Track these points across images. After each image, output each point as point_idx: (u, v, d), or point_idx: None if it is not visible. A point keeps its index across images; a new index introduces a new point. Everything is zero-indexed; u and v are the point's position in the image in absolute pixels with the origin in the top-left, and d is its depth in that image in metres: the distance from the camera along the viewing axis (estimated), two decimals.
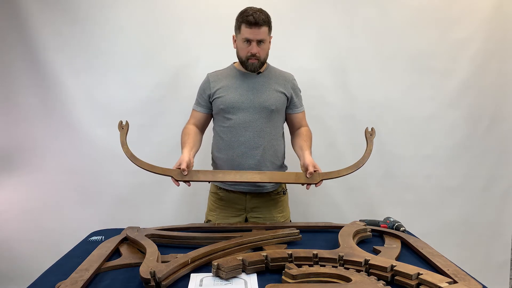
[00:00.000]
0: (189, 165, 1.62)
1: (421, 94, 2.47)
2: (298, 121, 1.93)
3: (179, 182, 1.63)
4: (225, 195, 1.88)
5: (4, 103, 2.35)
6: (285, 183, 1.85)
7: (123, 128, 1.69)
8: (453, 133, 2.51)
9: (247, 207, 1.88)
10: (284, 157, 1.95)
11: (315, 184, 1.67)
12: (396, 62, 2.45)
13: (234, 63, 1.90)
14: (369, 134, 1.79)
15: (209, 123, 1.95)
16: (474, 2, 2.40)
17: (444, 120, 2.49)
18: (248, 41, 1.70)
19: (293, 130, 1.95)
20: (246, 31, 1.68)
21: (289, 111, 1.90)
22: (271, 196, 1.90)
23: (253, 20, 1.65)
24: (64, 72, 2.33)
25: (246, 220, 1.90)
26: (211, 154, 1.95)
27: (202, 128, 1.91)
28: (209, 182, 1.98)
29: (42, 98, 2.35)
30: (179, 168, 1.60)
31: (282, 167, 1.93)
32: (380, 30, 2.42)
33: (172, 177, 1.62)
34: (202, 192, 2.46)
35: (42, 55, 2.30)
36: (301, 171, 1.71)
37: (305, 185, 1.67)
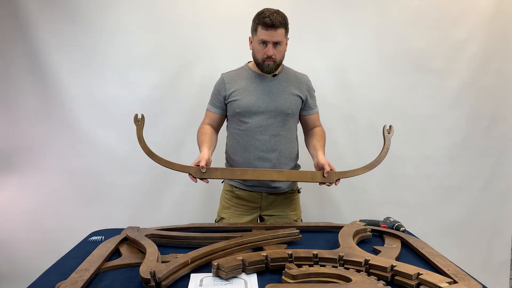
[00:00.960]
0: (208, 163, 1.62)
1: (421, 94, 2.47)
2: (312, 122, 1.93)
3: (197, 179, 1.62)
4: (241, 193, 1.89)
5: (4, 103, 2.35)
6: (301, 181, 1.85)
7: (139, 122, 1.59)
8: (453, 133, 2.51)
9: (262, 205, 1.89)
10: (297, 158, 1.96)
11: (333, 183, 1.67)
12: (396, 62, 2.45)
13: (248, 62, 1.88)
14: (387, 132, 1.75)
15: (223, 123, 1.94)
16: (474, 2, 2.40)
17: (444, 120, 2.49)
18: (264, 42, 1.69)
19: (307, 130, 1.96)
20: (262, 33, 1.67)
21: (303, 112, 1.90)
22: (286, 194, 1.91)
23: (269, 22, 1.63)
24: (64, 72, 2.33)
25: (260, 217, 1.92)
26: (225, 155, 1.95)
27: (217, 128, 1.91)
28: (222, 180, 1.98)
29: (42, 98, 2.35)
30: (198, 165, 1.60)
31: (296, 167, 1.94)
32: (380, 30, 2.42)
33: (190, 174, 1.61)
34: (202, 192, 2.47)
35: (41, 55, 2.30)
36: (313, 171, 1.71)
37: (322, 183, 1.68)
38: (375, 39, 2.43)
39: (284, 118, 1.80)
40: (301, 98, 1.84)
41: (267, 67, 1.74)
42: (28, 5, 2.25)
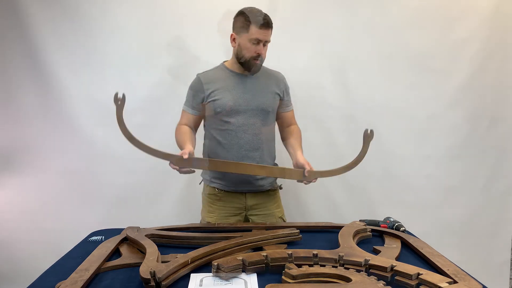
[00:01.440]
0: (191, 155, 1.57)
1: (421, 94, 2.47)
2: (289, 119, 1.96)
3: (183, 171, 1.56)
4: (224, 195, 1.88)
5: (4, 103, 2.35)
6: (281, 177, 1.84)
7: (120, 102, 1.45)
8: (453, 133, 2.50)
9: (246, 206, 1.89)
10: (275, 157, 1.98)
11: (311, 181, 1.69)
12: (396, 62, 2.44)
13: (224, 62, 1.88)
14: (368, 137, 1.72)
15: (199, 124, 1.93)
16: (474, 2, 2.40)
17: (444, 120, 2.49)
18: (258, 41, 1.71)
19: (283, 128, 1.98)
20: (257, 32, 1.69)
21: (280, 110, 1.92)
22: (269, 192, 1.93)
23: (265, 22, 1.68)
24: (64, 72, 2.33)
25: (245, 218, 1.91)
26: (203, 156, 1.92)
27: (194, 129, 1.89)
28: (200, 181, 1.99)
29: (41, 98, 2.35)
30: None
31: (274, 165, 1.95)
32: (380, 30, 2.41)
33: (171, 162, 1.54)
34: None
35: (41, 54, 2.30)
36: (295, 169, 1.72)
37: (301, 182, 1.69)
38: (375, 39, 2.42)
39: (265, 117, 1.82)
40: (279, 95, 1.87)
41: (255, 66, 1.76)
42: (28, 4, 2.26)
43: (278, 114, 1.94)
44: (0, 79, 2.33)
